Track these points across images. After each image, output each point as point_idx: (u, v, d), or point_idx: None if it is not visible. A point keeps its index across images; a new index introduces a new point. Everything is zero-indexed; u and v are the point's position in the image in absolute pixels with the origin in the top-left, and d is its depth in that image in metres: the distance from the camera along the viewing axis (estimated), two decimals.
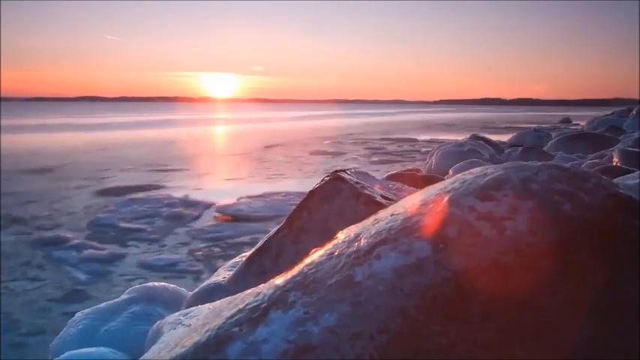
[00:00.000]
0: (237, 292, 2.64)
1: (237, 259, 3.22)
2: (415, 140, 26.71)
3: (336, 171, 2.93)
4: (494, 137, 18.25)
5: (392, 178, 7.30)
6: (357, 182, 2.66)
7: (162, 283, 4.33)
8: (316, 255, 1.28)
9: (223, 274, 2.91)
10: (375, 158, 18.81)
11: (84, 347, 3.55)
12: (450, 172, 10.96)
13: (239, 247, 7.07)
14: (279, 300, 1.11)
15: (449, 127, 42.19)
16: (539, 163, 1.35)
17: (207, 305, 2.12)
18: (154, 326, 2.23)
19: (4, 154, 16.85)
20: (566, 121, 44.43)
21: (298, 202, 2.79)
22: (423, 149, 21.17)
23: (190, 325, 1.90)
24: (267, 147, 20.02)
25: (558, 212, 1.17)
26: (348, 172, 2.97)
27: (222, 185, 12.79)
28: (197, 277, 6.12)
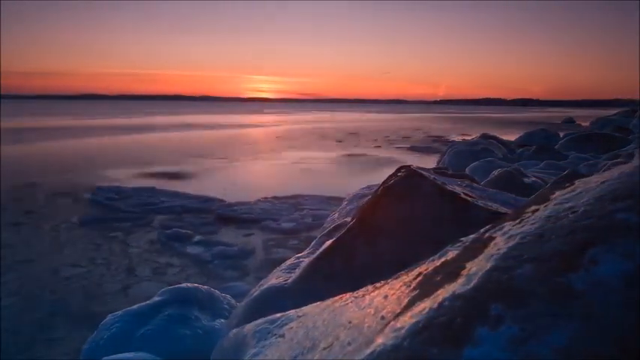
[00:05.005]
0: (305, 296, 2.46)
1: (292, 260, 3.03)
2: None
3: (403, 167, 2.74)
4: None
5: None
6: (435, 178, 2.47)
7: (195, 284, 4.12)
8: (491, 258, 1.09)
9: (283, 276, 2.71)
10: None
11: (120, 352, 3.34)
12: (467, 171, 10.78)
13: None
14: (478, 314, 0.92)
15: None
16: None
17: (292, 312, 1.93)
18: (232, 335, 2.03)
19: None
20: (570, 121, 44.28)
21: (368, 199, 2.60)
22: None
23: (285, 335, 1.70)
24: None
25: None
26: (412, 167, 2.78)
27: None
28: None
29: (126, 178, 12.89)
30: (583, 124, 37.87)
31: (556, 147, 15.62)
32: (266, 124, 44.19)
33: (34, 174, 13.36)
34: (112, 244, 7.20)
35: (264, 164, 16.46)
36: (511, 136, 21.65)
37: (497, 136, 17.84)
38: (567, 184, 1.40)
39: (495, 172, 7.62)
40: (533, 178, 7.83)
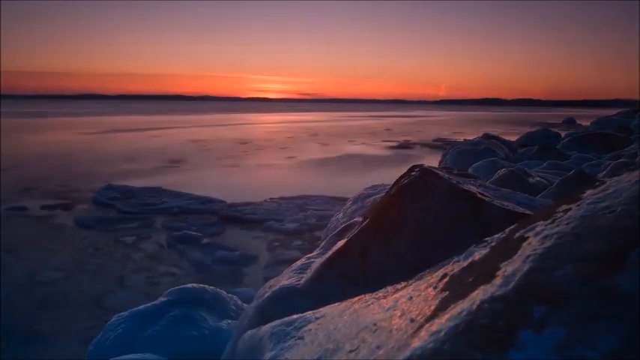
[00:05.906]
0: (319, 296, 2.42)
1: (303, 260, 3.00)
2: None
3: (416, 166, 2.71)
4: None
5: None
6: (449, 177, 2.44)
7: (201, 285, 4.08)
8: (528, 258, 1.06)
9: (295, 276, 2.67)
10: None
11: (126, 353, 3.31)
12: (470, 170, 10.74)
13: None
14: (520, 316, 0.89)
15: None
16: None
17: (310, 313, 1.89)
18: (246, 336, 2.00)
19: None
20: (570, 121, 44.17)
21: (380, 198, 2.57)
22: None
23: (304, 337, 1.67)
24: None
25: None
26: (425, 166, 2.75)
27: None
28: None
29: (129, 177, 12.85)
30: (584, 124, 37.88)
31: (558, 147, 15.60)
32: (265, 125, 44.17)
33: (34, 174, 13.33)
34: (114, 245, 7.16)
35: (266, 164, 16.43)
36: (512, 136, 21.63)
37: (499, 136, 17.81)
38: (598, 183, 1.37)
39: (500, 172, 7.61)
40: (538, 178, 7.81)
